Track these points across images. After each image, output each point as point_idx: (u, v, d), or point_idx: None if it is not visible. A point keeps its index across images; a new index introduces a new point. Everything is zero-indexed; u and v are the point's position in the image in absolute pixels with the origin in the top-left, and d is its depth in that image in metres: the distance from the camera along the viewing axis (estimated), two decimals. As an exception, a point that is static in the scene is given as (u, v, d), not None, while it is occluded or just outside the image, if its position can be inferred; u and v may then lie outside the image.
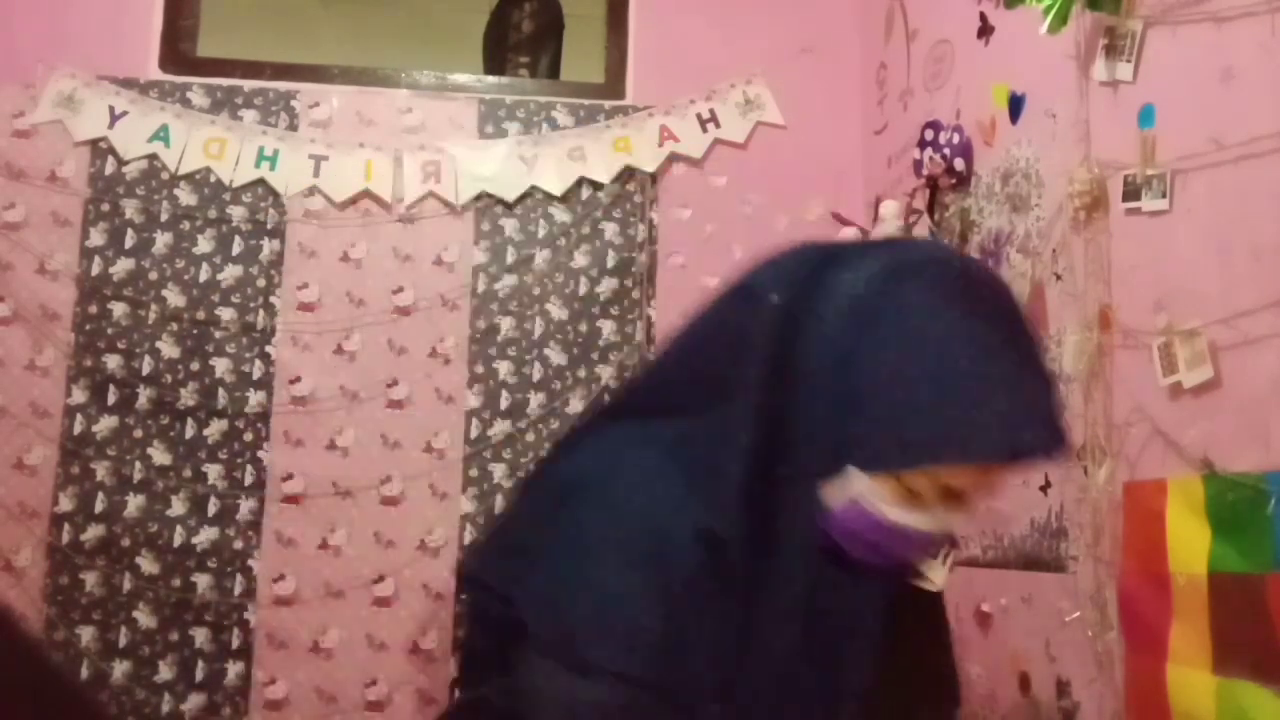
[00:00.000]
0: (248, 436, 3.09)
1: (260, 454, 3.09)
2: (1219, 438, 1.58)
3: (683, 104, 3.31)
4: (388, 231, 3.22)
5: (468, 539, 3.10)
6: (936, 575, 1.24)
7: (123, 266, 3.12)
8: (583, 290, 3.23)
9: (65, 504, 3.02)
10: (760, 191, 3.29)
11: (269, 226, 3.18)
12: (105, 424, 3.05)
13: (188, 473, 3.06)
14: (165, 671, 2.98)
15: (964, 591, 2.30)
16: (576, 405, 3.17)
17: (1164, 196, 1.72)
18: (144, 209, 3.15)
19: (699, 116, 3.31)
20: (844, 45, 3.39)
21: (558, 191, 3.24)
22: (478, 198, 3.24)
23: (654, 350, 3.20)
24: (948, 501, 1.11)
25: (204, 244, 3.16)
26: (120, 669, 2.97)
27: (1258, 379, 1.50)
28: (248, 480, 3.08)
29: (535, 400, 3.17)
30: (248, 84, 3.24)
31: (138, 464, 3.05)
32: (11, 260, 3.09)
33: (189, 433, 3.08)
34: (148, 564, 3.01)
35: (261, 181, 3.18)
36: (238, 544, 3.05)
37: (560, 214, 3.25)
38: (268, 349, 3.13)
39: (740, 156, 3.32)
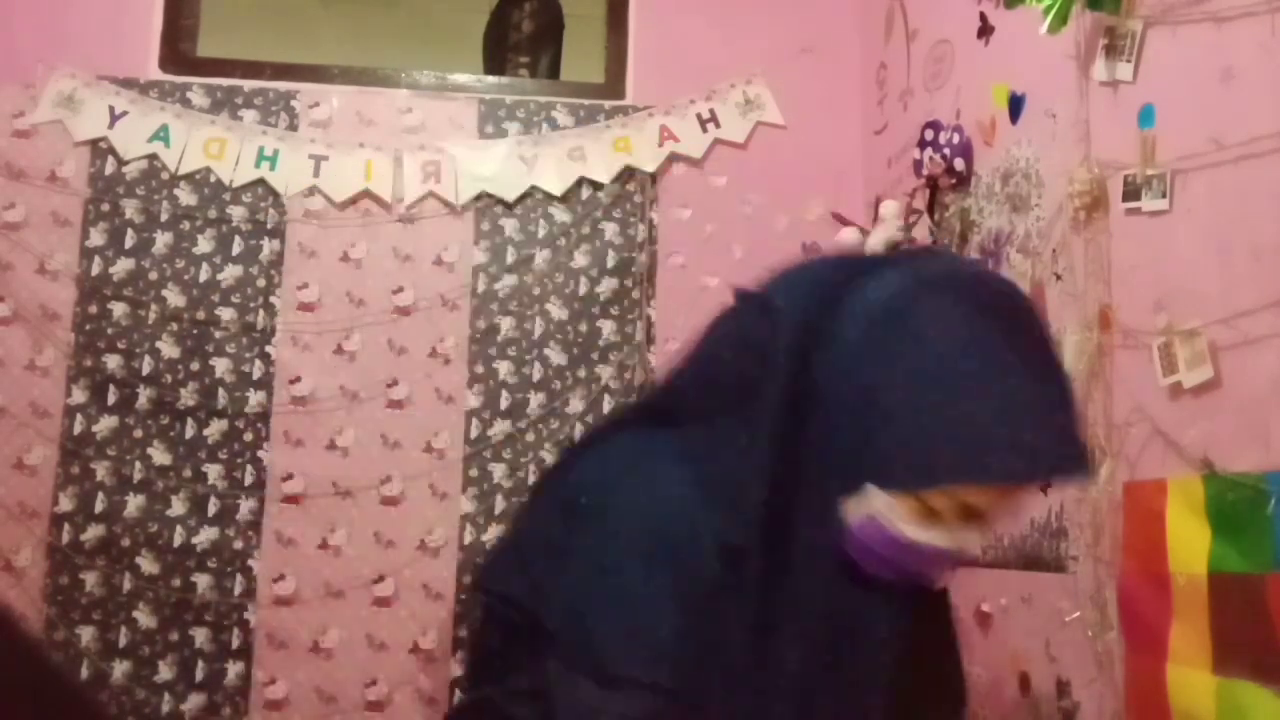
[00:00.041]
0: (248, 436, 3.09)
1: (260, 454, 3.09)
2: (1219, 438, 1.58)
3: (683, 104, 3.31)
4: (388, 231, 3.22)
5: (468, 539, 3.10)
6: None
7: (123, 266, 3.12)
8: (583, 290, 3.23)
9: (65, 504, 3.02)
10: (760, 191, 3.29)
11: (269, 226, 3.18)
12: (105, 424, 3.06)
13: (188, 473, 3.06)
14: (165, 671, 2.98)
15: (964, 591, 2.30)
16: (576, 405, 3.17)
17: (1164, 196, 1.72)
18: (144, 209, 3.15)
19: (699, 116, 3.31)
20: (844, 45, 3.39)
21: (558, 191, 3.24)
22: (478, 198, 3.24)
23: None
24: (967, 519, 1.10)
25: (204, 244, 3.16)
26: (120, 669, 2.97)
27: (1258, 379, 1.50)
28: (248, 480, 3.08)
29: (535, 400, 3.17)
30: (248, 84, 3.24)
31: (138, 464, 3.05)
32: (11, 260, 3.09)
33: (189, 433, 3.08)
34: (148, 564, 3.01)
35: (261, 181, 3.18)
36: (238, 544, 3.05)
37: (560, 214, 3.25)
38: (268, 349, 3.13)
39: (740, 156, 3.32)
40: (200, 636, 3.01)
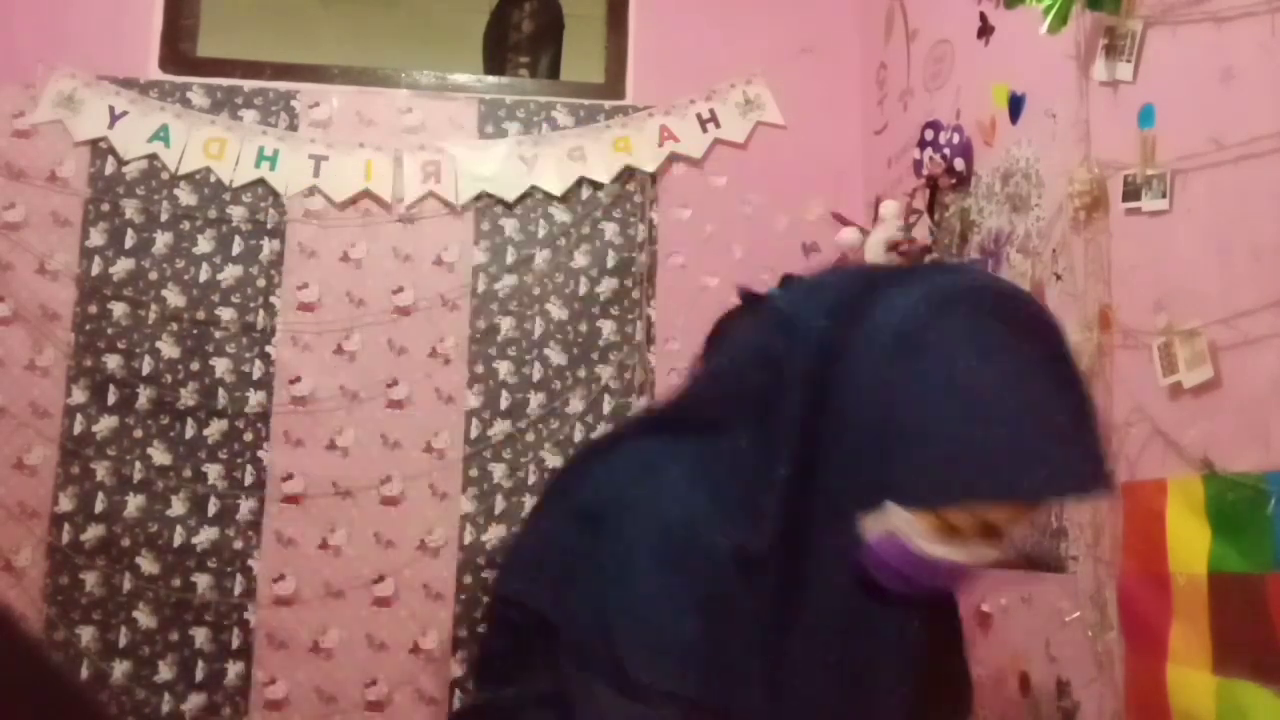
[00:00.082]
0: (248, 436, 3.09)
1: (260, 454, 3.09)
2: (1219, 438, 1.58)
3: (683, 104, 3.31)
4: (388, 231, 3.22)
5: (468, 539, 3.10)
6: None
7: (123, 266, 3.12)
8: (583, 290, 3.23)
9: (65, 504, 3.02)
10: (760, 191, 3.29)
11: (269, 226, 3.18)
12: (105, 424, 3.05)
13: (188, 473, 3.06)
14: (165, 671, 2.98)
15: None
16: (576, 405, 3.17)
17: (1164, 196, 1.72)
18: (144, 209, 3.15)
19: (699, 116, 3.31)
20: (844, 45, 3.39)
21: (558, 191, 3.24)
22: (478, 198, 3.24)
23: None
24: (986, 535, 1.10)
25: (204, 244, 3.16)
26: (120, 669, 2.97)
27: (1258, 379, 1.50)
28: (248, 480, 3.08)
29: (535, 400, 3.17)
30: (248, 84, 3.24)
31: (138, 464, 3.05)
32: (11, 260, 3.09)
33: (189, 433, 3.08)
34: (148, 564, 3.01)
35: (261, 181, 3.18)
36: (238, 544, 3.05)
37: (560, 214, 3.25)
38: (268, 349, 3.13)
39: (740, 156, 3.32)
40: (200, 636, 3.01)
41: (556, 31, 3.61)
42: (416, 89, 3.31)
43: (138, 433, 3.06)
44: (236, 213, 3.18)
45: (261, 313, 3.14)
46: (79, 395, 3.06)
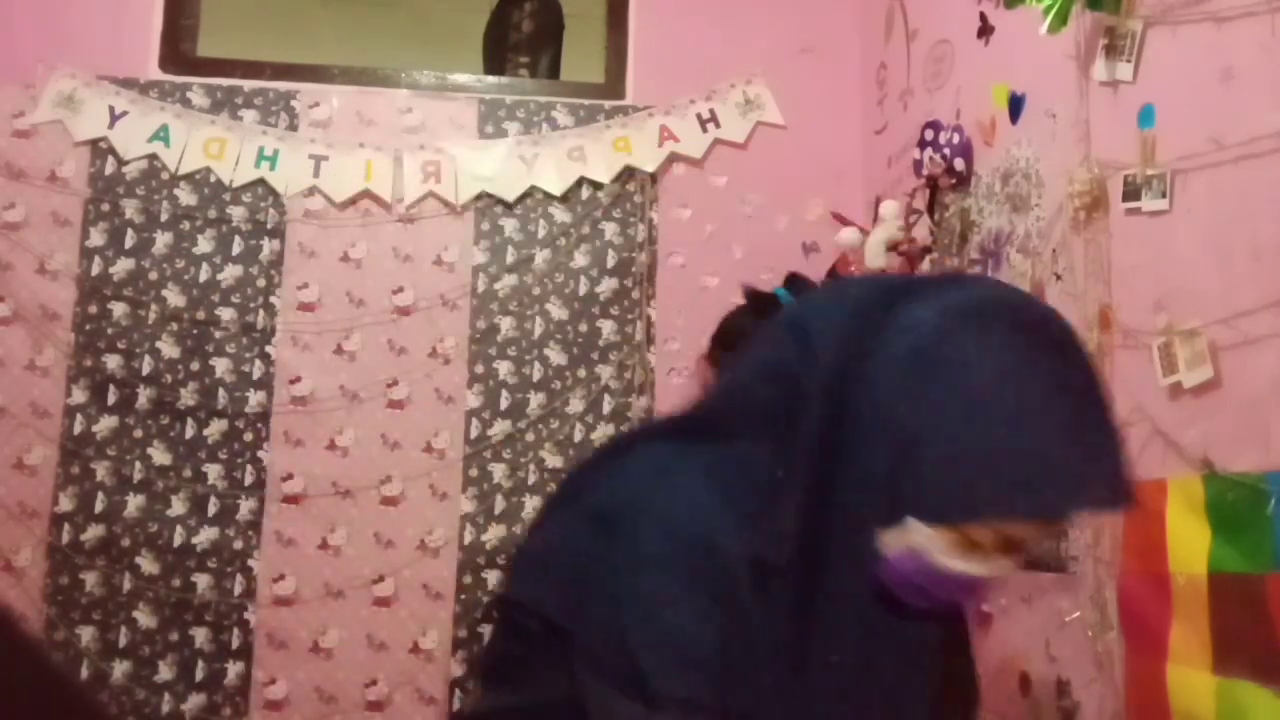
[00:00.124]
0: (248, 436, 3.09)
1: (260, 454, 3.09)
2: (1219, 438, 1.58)
3: (683, 104, 3.31)
4: (388, 231, 3.22)
5: (468, 539, 3.10)
6: None
7: (123, 266, 3.12)
8: (583, 290, 3.23)
9: (65, 504, 3.02)
10: (760, 191, 3.29)
11: (269, 226, 3.18)
12: (105, 424, 3.06)
13: (188, 473, 3.06)
14: (165, 671, 2.98)
15: (964, 591, 2.30)
16: (576, 405, 3.17)
17: (1164, 196, 1.72)
18: (144, 209, 3.15)
19: (699, 116, 3.31)
20: (844, 45, 3.39)
21: (558, 191, 3.24)
22: (478, 198, 3.24)
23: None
24: (1006, 549, 1.10)
25: (204, 244, 3.16)
26: (120, 669, 2.97)
27: (1258, 379, 1.50)
28: (248, 480, 3.08)
29: (535, 400, 3.17)
30: (248, 84, 3.24)
31: (138, 464, 3.05)
32: (11, 260, 3.09)
33: (189, 433, 3.08)
34: (148, 564, 3.01)
35: (261, 181, 3.18)
36: (238, 544, 3.05)
37: (560, 214, 3.25)
38: (268, 349, 3.13)
39: (740, 156, 3.32)
40: (200, 636, 3.01)
41: (556, 31, 3.62)
42: (416, 89, 3.31)
43: (138, 433, 3.06)
44: (236, 213, 3.18)
45: (261, 313, 3.14)
46: (79, 395, 3.06)
